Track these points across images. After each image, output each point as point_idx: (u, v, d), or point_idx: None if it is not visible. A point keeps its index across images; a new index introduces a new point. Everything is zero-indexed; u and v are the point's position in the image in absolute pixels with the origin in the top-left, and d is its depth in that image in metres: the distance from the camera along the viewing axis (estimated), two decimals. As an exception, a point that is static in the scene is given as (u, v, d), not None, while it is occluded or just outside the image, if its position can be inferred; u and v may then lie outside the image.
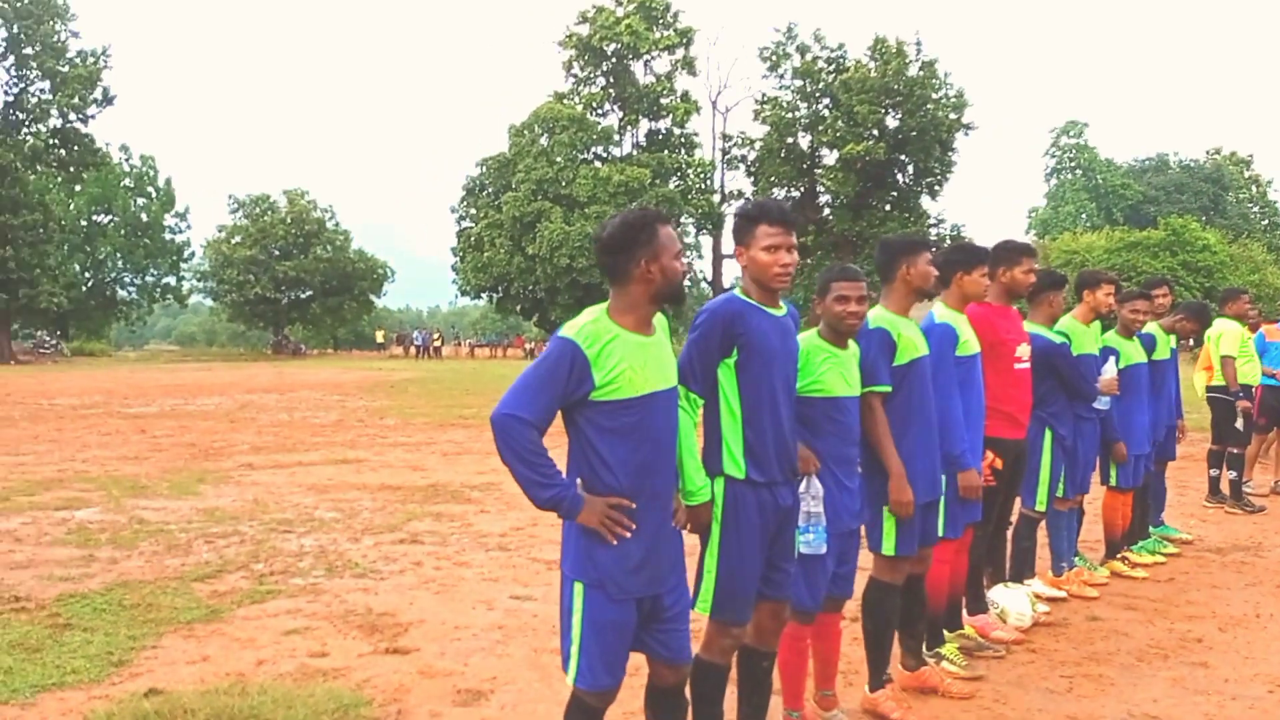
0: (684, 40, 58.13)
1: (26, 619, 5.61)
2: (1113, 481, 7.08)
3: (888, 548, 4.45)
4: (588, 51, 57.52)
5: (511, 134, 57.31)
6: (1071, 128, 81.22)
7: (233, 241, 64.29)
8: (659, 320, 3.19)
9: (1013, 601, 5.78)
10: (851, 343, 4.12)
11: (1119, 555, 7.24)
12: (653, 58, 58.49)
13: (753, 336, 3.45)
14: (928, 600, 4.87)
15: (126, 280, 71.23)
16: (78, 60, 52.04)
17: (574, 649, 3.02)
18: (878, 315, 4.46)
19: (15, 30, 50.19)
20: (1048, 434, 6.21)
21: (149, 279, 71.30)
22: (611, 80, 58.27)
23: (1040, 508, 6.28)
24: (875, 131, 51.94)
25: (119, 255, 70.39)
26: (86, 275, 69.10)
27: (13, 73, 51.45)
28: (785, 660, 4.06)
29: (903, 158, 53.10)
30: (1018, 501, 6.11)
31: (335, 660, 5.01)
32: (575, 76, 59.06)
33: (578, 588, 3.02)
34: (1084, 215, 74.42)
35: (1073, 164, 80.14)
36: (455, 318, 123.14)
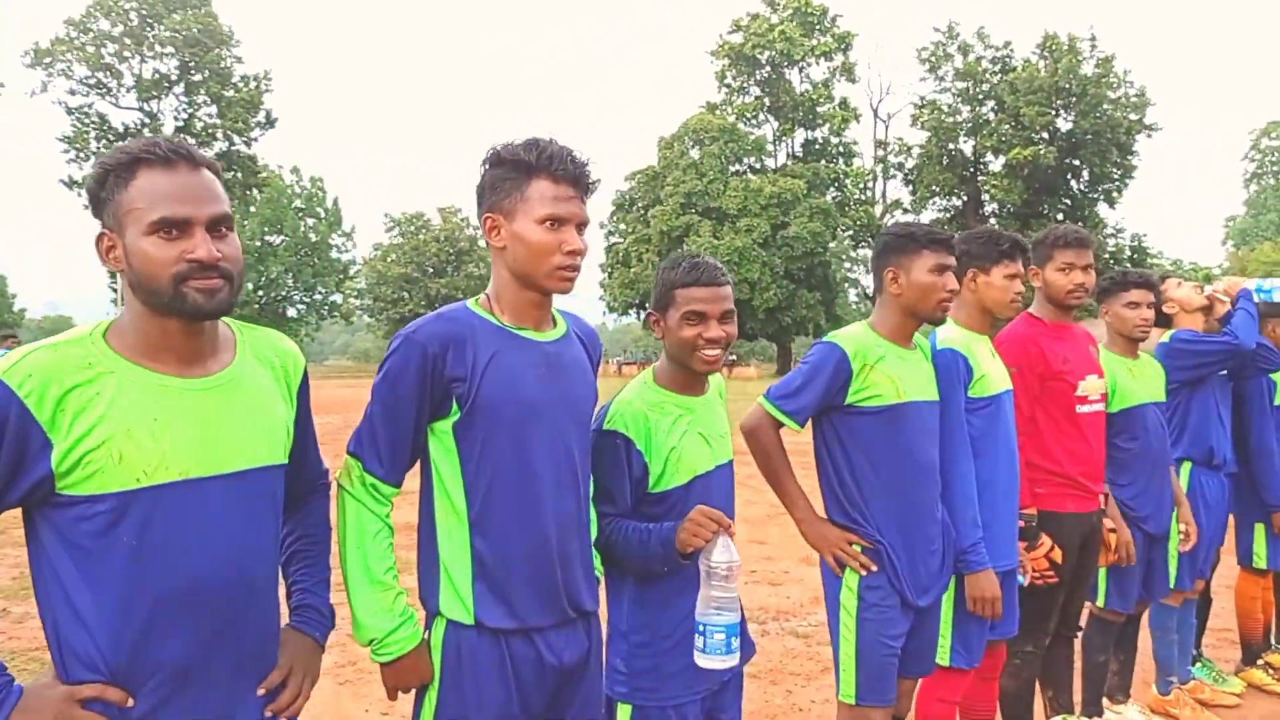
0: (842, 46, 56.04)
1: None
2: (1260, 562, 4.97)
3: (846, 691, 3.05)
4: (741, 60, 56.34)
5: (660, 147, 56.32)
6: (1273, 129, 74.35)
7: (388, 260, 65.34)
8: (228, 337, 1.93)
9: (1077, 745, 4.02)
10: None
11: (1260, 661, 5.15)
12: (809, 65, 56.65)
13: (484, 379, 2.15)
14: None
15: (295, 298, 73.82)
16: (241, 85, 53.90)
17: None
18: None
19: (185, 58, 52.40)
20: None
21: (316, 297, 73.70)
22: (766, 89, 56.69)
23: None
24: (1045, 135, 48.40)
25: (289, 274, 72.95)
26: (259, 293, 71.87)
27: (182, 99, 53.82)
28: None
29: (1076, 162, 49.29)
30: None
31: None
32: (728, 86, 57.94)
33: None
34: (1289, 223, 67.74)
35: (1275, 168, 73.32)
36: (620, 334, 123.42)
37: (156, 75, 52.80)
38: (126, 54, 52.11)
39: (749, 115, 57.22)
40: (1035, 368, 3.68)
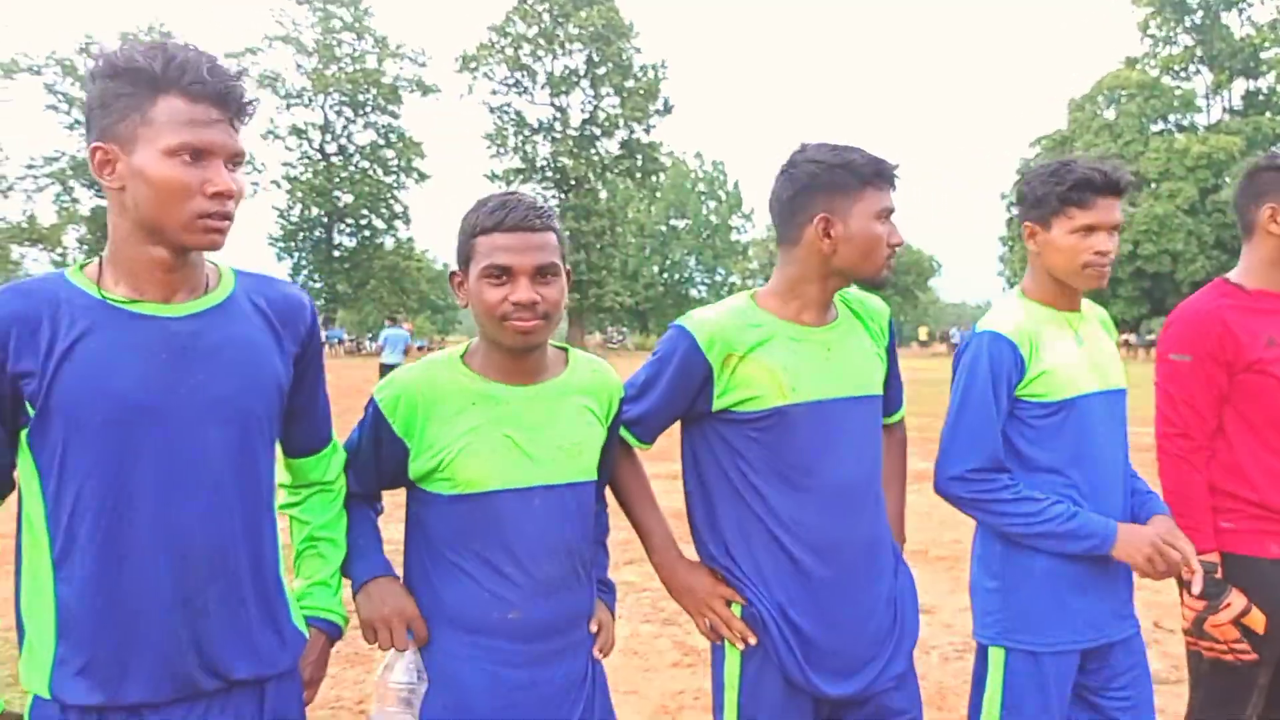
0: (1295, -22, 48.72)
1: None
2: None
3: None
4: (1168, 6, 50.93)
5: (1071, 109, 52.39)
6: None
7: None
8: None
9: None
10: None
11: None
12: (1251, 4, 50.24)
13: (60, 371, 1.61)
14: None
15: (697, 280, 76.56)
16: (640, 75, 56.38)
17: None
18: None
19: (590, 53, 55.64)
20: None
21: (717, 278, 76.02)
22: (1198, 37, 50.79)
23: None
24: None
25: (690, 256, 75.73)
26: (664, 275, 75.29)
27: (588, 92, 57.13)
28: None
29: None
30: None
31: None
32: (1152, 37, 52.61)
33: None
34: None
35: None
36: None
37: (565, 71, 56.48)
38: (539, 53, 56.16)
39: (1176, 67, 51.62)
40: (1219, 356, 2.61)
